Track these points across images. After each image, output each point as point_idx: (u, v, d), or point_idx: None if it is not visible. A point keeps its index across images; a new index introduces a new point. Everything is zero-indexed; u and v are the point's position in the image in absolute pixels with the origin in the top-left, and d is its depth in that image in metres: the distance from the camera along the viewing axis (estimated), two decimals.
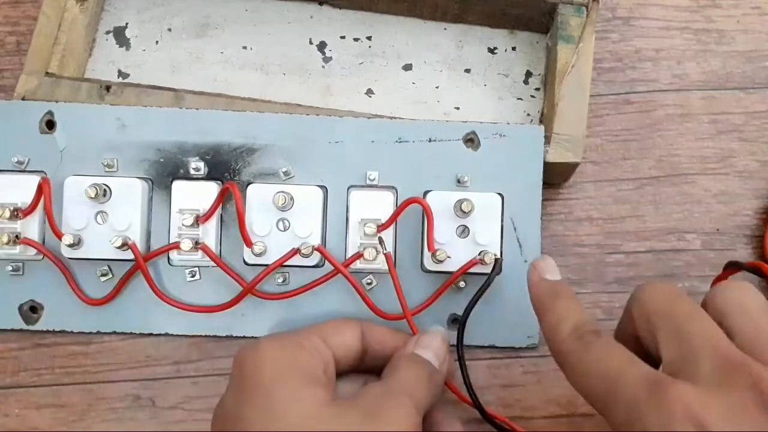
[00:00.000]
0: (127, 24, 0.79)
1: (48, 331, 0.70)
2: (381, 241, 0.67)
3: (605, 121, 0.76)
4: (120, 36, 0.79)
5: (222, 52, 0.79)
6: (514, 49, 0.78)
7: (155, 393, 0.70)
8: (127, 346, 0.70)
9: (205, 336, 0.70)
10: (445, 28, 0.79)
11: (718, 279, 0.67)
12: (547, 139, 0.69)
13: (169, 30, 0.79)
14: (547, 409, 0.69)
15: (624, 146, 0.75)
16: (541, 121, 0.74)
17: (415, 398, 0.55)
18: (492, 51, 0.78)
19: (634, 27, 0.78)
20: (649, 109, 0.76)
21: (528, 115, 0.76)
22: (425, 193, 0.68)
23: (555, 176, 0.71)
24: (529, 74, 0.77)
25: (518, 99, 0.77)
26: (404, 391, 0.55)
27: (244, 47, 0.79)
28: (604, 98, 0.76)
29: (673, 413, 0.44)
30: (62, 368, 0.70)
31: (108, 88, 0.71)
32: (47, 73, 0.72)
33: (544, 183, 0.69)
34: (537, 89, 0.77)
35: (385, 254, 0.66)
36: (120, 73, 0.78)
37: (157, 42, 0.79)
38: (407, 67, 0.78)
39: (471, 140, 0.69)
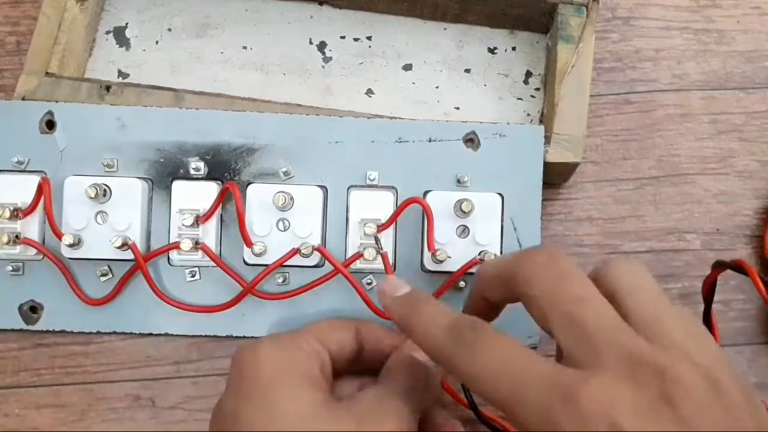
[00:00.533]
0: (127, 24, 0.79)
1: (48, 331, 0.70)
2: (377, 240, 0.67)
3: (605, 121, 0.76)
4: (120, 36, 0.79)
5: (222, 52, 0.79)
6: (514, 49, 0.78)
7: (155, 393, 0.70)
8: (127, 346, 0.70)
9: (205, 336, 0.70)
10: (445, 28, 0.79)
11: (708, 279, 0.67)
12: (547, 139, 0.69)
13: (169, 30, 0.79)
14: None
15: (624, 146, 0.75)
16: (541, 121, 0.74)
17: (411, 402, 0.54)
18: (492, 51, 0.78)
19: (634, 27, 0.78)
20: (649, 109, 0.76)
21: (528, 115, 0.76)
22: (425, 193, 0.68)
23: (555, 176, 0.71)
24: (529, 74, 0.77)
25: (518, 99, 0.77)
26: (400, 395, 0.54)
27: (244, 47, 0.79)
28: (604, 98, 0.76)
29: (587, 416, 0.43)
30: (62, 368, 0.70)
31: (108, 88, 0.71)
32: (47, 73, 0.72)
33: (544, 183, 0.69)
34: (537, 89, 0.77)
35: (381, 253, 0.66)
36: (120, 73, 0.78)
37: (157, 42, 0.79)
38: (407, 67, 0.78)
39: (471, 140, 0.69)
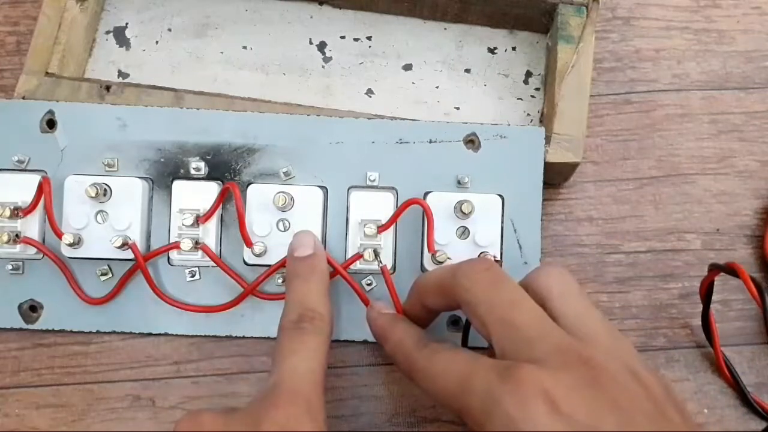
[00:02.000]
0: (127, 24, 0.79)
1: (48, 331, 0.70)
2: (377, 254, 0.67)
3: (605, 121, 0.76)
4: (120, 36, 0.79)
5: (222, 52, 0.79)
6: (514, 49, 0.78)
7: (155, 393, 0.69)
8: (127, 346, 0.70)
9: (205, 336, 0.70)
10: (445, 28, 0.79)
11: (705, 280, 0.67)
12: (547, 139, 0.69)
13: (169, 30, 0.79)
14: None
15: (624, 146, 0.75)
16: (541, 121, 0.74)
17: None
18: (492, 51, 0.78)
19: (634, 27, 0.78)
20: (649, 109, 0.76)
21: (528, 115, 0.76)
22: (425, 194, 0.68)
23: (555, 176, 0.71)
24: (529, 74, 0.77)
25: (518, 99, 0.77)
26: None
27: (244, 47, 0.79)
28: (604, 98, 0.76)
29: (526, 391, 0.47)
30: (62, 368, 0.70)
31: (108, 88, 0.71)
32: (47, 73, 0.72)
33: (544, 183, 0.69)
34: (537, 89, 0.77)
35: (380, 267, 0.66)
36: (120, 73, 0.78)
37: (157, 42, 0.79)
38: (407, 67, 0.78)
39: (471, 141, 0.69)
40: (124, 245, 0.66)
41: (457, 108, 0.76)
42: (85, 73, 0.77)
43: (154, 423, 0.69)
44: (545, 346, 0.50)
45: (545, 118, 0.71)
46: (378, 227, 0.67)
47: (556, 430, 0.46)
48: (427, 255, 0.67)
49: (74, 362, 0.70)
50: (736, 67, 0.77)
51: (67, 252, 0.67)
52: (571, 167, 0.70)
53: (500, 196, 0.68)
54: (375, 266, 0.67)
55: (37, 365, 0.70)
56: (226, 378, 0.67)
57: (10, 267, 0.69)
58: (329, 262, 0.65)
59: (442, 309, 0.61)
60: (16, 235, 0.67)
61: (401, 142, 0.69)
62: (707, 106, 0.76)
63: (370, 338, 0.68)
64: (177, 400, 0.69)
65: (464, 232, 0.68)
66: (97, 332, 0.70)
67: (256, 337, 0.69)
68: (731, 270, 0.64)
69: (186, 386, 0.69)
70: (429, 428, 0.68)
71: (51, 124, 0.69)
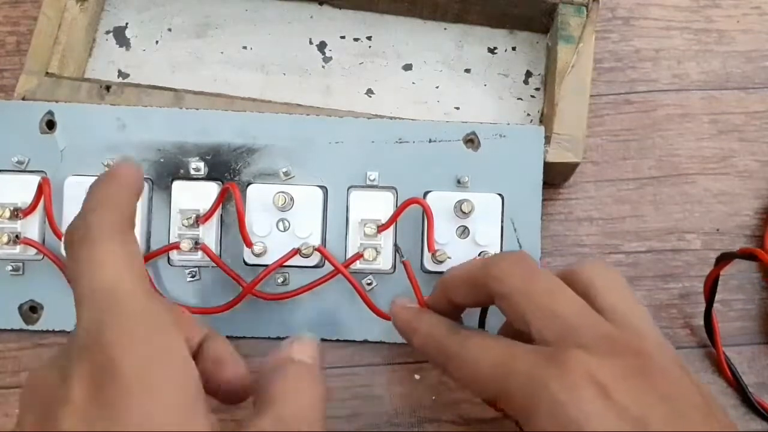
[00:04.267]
0: (127, 24, 0.79)
1: (48, 331, 0.70)
2: (398, 249, 0.68)
3: (605, 121, 0.76)
4: (120, 36, 0.79)
5: (222, 52, 0.79)
6: (514, 49, 0.78)
7: None
8: None
9: None
10: (445, 28, 0.79)
11: (712, 273, 0.67)
12: (547, 139, 0.69)
13: (169, 30, 0.79)
14: None
15: (624, 146, 0.75)
16: (541, 121, 0.74)
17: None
18: (492, 51, 0.78)
19: (634, 27, 0.78)
20: (649, 109, 0.76)
21: (528, 115, 0.76)
22: (425, 194, 0.68)
23: (555, 176, 0.71)
24: (529, 74, 0.77)
25: (518, 99, 0.77)
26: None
27: (244, 47, 0.79)
28: (604, 98, 0.76)
29: (574, 376, 0.46)
30: None
31: (108, 88, 0.71)
32: (47, 73, 0.72)
33: (544, 183, 0.69)
34: (537, 89, 0.77)
35: (403, 262, 0.66)
36: (120, 73, 0.78)
37: (157, 42, 0.79)
38: (407, 67, 0.78)
39: (471, 141, 0.69)
40: None
41: (457, 108, 0.76)
42: (85, 73, 0.77)
43: None
44: (591, 333, 0.49)
45: (545, 118, 0.71)
46: (378, 227, 0.67)
47: (606, 417, 0.45)
48: (427, 254, 0.67)
49: None
50: (736, 67, 0.77)
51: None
52: (571, 167, 0.70)
53: (500, 195, 0.68)
54: (375, 265, 0.67)
55: (37, 365, 0.70)
56: None
57: (10, 268, 0.69)
58: (329, 261, 0.65)
59: (471, 304, 0.59)
60: (16, 236, 0.67)
61: (401, 142, 0.69)
62: (707, 106, 0.76)
63: (371, 338, 0.68)
64: None
65: (464, 232, 0.68)
66: None
67: (256, 338, 0.69)
68: (747, 255, 0.64)
69: None
70: (429, 428, 0.68)
71: (50, 125, 0.69)
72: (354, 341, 0.70)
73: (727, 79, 0.77)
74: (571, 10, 0.72)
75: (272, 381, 0.50)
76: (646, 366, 0.47)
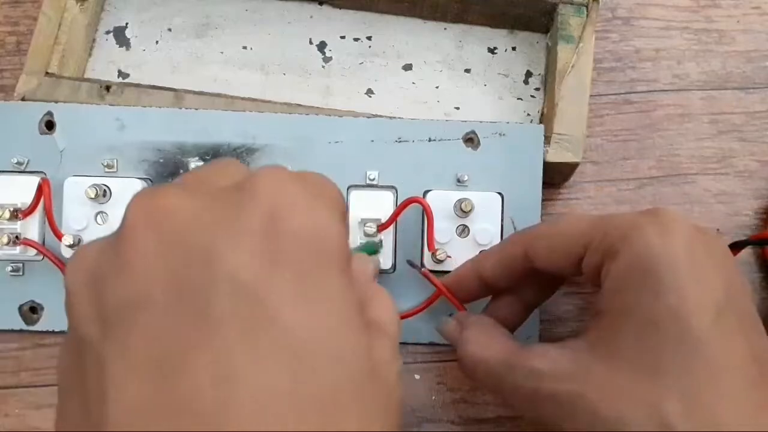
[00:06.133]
0: (127, 24, 0.79)
1: (48, 332, 0.70)
2: (412, 264, 0.67)
3: (605, 121, 0.76)
4: (120, 36, 0.79)
5: (222, 52, 0.79)
6: (514, 49, 0.78)
7: None
8: None
9: None
10: (445, 28, 0.79)
11: None
12: (547, 139, 0.69)
13: (169, 30, 0.79)
14: None
15: (624, 146, 0.75)
16: (541, 121, 0.74)
17: None
18: (492, 51, 0.78)
19: (634, 27, 0.78)
20: (649, 109, 0.76)
21: (528, 115, 0.76)
22: (425, 193, 0.68)
23: (555, 176, 0.71)
24: (529, 74, 0.77)
25: (518, 99, 0.77)
26: None
27: (244, 47, 0.79)
28: (604, 98, 0.76)
29: (674, 228, 0.49)
30: None
31: (108, 88, 0.71)
32: (47, 73, 0.72)
33: (544, 183, 0.69)
34: (537, 89, 0.77)
35: (423, 273, 0.66)
36: (120, 73, 0.78)
37: (157, 42, 0.79)
38: (407, 67, 0.78)
39: (471, 140, 0.69)
40: None
41: (457, 108, 0.76)
42: (85, 73, 0.77)
43: None
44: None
45: (545, 118, 0.71)
46: (378, 226, 0.67)
47: (689, 264, 0.47)
48: (427, 253, 0.67)
49: None
50: (736, 67, 0.77)
51: (67, 253, 0.67)
52: (571, 167, 0.70)
53: (500, 194, 0.68)
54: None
55: (37, 365, 0.70)
56: None
57: (10, 268, 0.69)
58: None
59: (501, 280, 0.60)
60: (16, 237, 0.67)
61: (400, 141, 0.69)
62: (707, 106, 0.76)
63: None
64: None
65: (464, 231, 0.68)
66: None
67: None
68: (760, 240, 0.64)
69: None
70: (429, 428, 0.68)
71: (50, 125, 0.69)
72: None
73: (727, 79, 0.77)
74: (571, 10, 0.72)
75: None
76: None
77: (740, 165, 0.74)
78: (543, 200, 0.69)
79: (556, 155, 0.69)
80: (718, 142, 0.75)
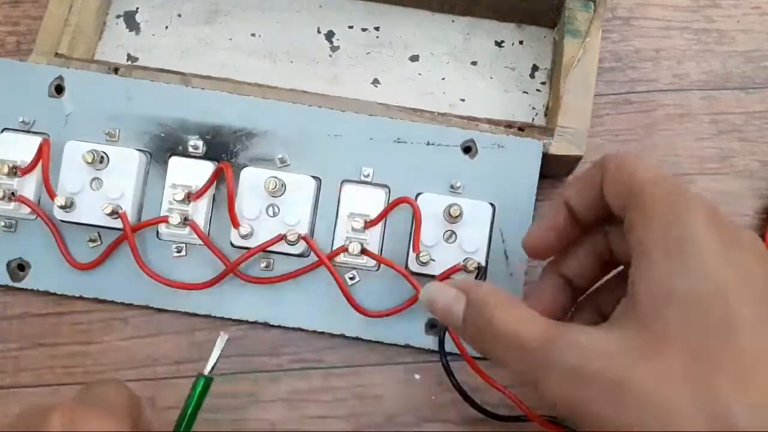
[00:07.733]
0: (137, 9, 0.80)
1: (33, 291, 0.71)
2: (434, 324, 0.68)
3: (605, 121, 0.76)
4: (130, 20, 0.80)
5: (230, 39, 0.79)
6: (521, 42, 0.78)
7: (155, 393, 0.70)
8: (127, 345, 0.71)
9: (185, 313, 0.70)
10: (452, 21, 0.79)
11: None
12: (552, 132, 0.69)
13: (179, 16, 0.80)
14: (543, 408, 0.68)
15: (624, 146, 0.75)
16: (546, 115, 0.74)
17: None
18: (499, 44, 0.78)
19: (634, 27, 0.78)
20: (649, 109, 0.76)
21: (533, 108, 0.76)
22: (417, 195, 0.69)
23: (558, 169, 0.72)
24: (535, 68, 0.78)
25: (524, 92, 0.77)
26: None
27: (253, 35, 0.79)
28: (604, 98, 0.76)
29: (695, 204, 0.51)
30: (62, 368, 0.71)
31: (116, 70, 0.72)
32: (57, 53, 0.73)
33: (545, 176, 0.69)
34: (543, 83, 0.77)
35: (447, 330, 0.65)
36: (129, 57, 0.79)
37: (166, 27, 0.80)
38: (414, 58, 0.78)
39: (469, 148, 0.69)
40: (114, 213, 0.67)
41: (463, 100, 0.77)
42: (95, 56, 0.78)
43: (154, 423, 0.69)
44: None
45: (550, 112, 0.72)
46: (366, 222, 0.67)
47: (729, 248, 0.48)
48: (412, 255, 0.67)
49: (74, 362, 0.71)
50: (736, 67, 0.77)
51: (59, 214, 0.68)
52: (575, 160, 0.70)
53: (492, 204, 0.68)
54: (360, 261, 0.68)
55: (37, 365, 0.71)
56: (226, 378, 0.67)
57: (3, 224, 0.70)
58: (313, 251, 0.67)
59: (591, 210, 0.57)
60: (12, 194, 0.68)
61: (399, 142, 0.69)
62: (707, 106, 0.76)
63: (348, 332, 0.70)
64: (177, 400, 0.68)
65: (451, 236, 0.68)
66: (80, 297, 0.70)
67: (234, 320, 0.70)
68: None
69: (187, 386, 0.67)
70: (429, 428, 0.69)
71: (59, 89, 0.71)
72: (353, 340, 0.70)
73: (727, 79, 0.77)
74: (579, 5, 0.73)
75: None
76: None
77: (740, 165, 0.74)
78: (542, 199, 0.70)
79: (559, 148, 0.69)
80: (718, 142, 0.75)
